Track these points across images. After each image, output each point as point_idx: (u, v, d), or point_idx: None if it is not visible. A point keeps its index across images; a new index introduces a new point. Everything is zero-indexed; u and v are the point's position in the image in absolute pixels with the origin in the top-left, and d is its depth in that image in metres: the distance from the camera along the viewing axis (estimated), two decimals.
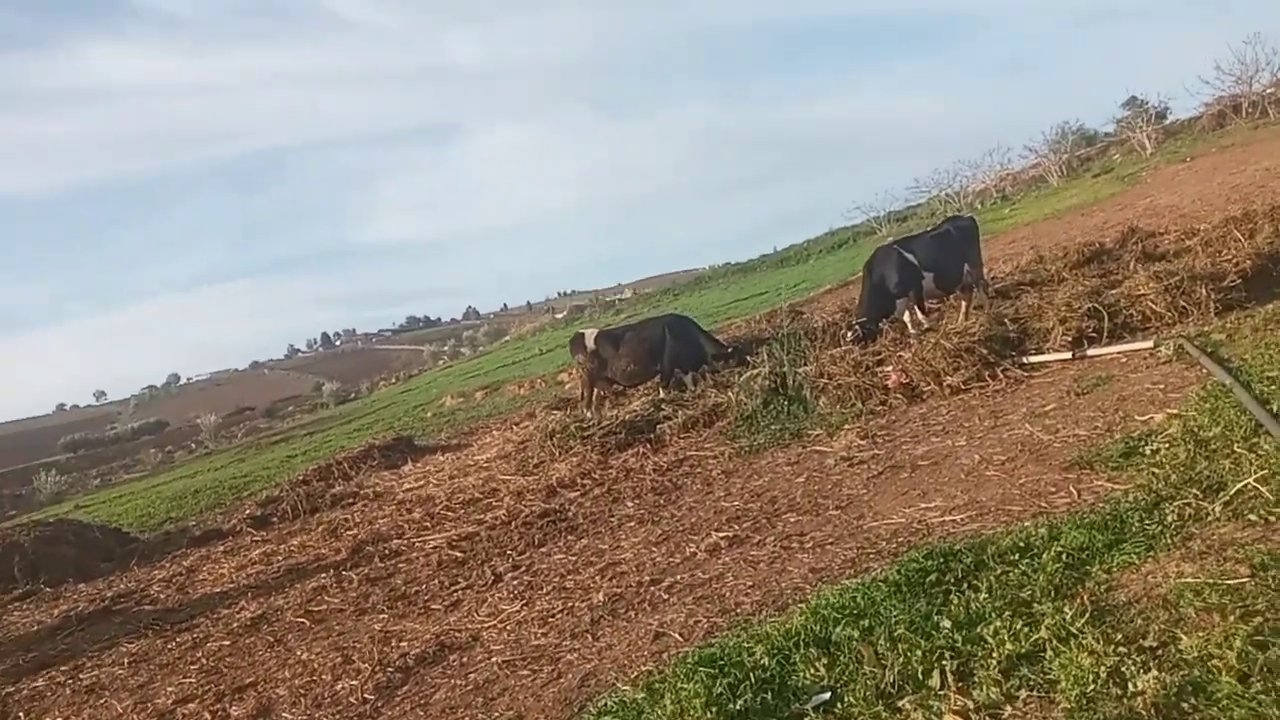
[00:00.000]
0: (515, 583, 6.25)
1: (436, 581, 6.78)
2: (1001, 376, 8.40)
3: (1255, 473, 4.57)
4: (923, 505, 5.65)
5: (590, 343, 12.15)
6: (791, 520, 6.13)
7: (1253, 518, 4.15)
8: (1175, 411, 6.07)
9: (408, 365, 61.96)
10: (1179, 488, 4.68)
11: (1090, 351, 8.27)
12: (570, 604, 5.50)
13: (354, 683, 5.28)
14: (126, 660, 7.02)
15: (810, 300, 22.03)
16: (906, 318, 10.87)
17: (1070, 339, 8.54)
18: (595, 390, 12.23)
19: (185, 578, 9.54)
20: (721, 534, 6.13)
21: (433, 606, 6.24)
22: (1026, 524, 4.73)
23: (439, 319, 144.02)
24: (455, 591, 6.45)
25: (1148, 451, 5.40)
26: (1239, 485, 4.49)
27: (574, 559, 6.48)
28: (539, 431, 10.66)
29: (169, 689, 6.13)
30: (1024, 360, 8.58)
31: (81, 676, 6.93)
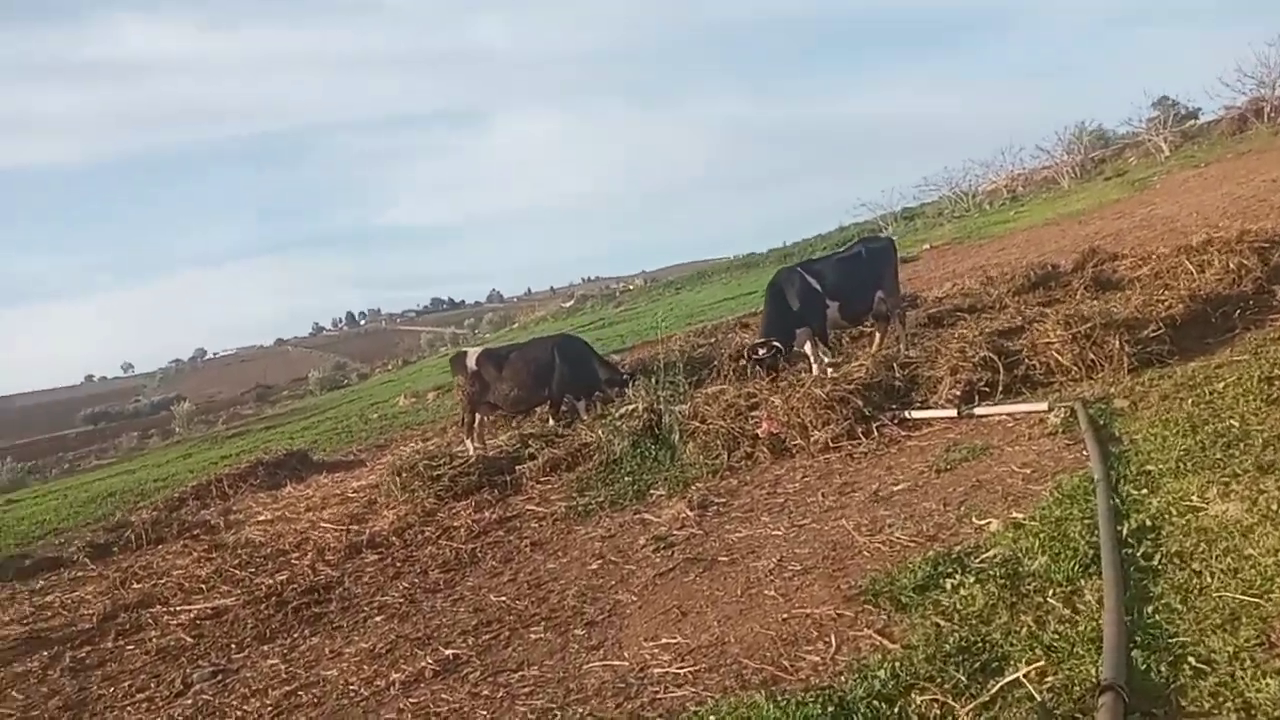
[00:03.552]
0: (190, 702, 5.07)
1: (131, 682, 5.59)
2: (876, 434, 7.12)
3: (1041, 655, 3.29)
4: (666, 639, 4.41)
5: (471, 363, 10.90)
6: (531, 638, 4.92)
7: None
8: (1017, 517, 4.76)
9: (409, 351, 60.91)
10: (945, 663, 3.41)
11: (978, 410, 6.93)
12: None
13: None
14: None
15: None
16: (808, 349, 9.53)
17: (960, 392, 7.21)
18: (477, 416, 11.00)
19: None
20: (449, 650, 4.94)
21: None
22: (730, 707, 3.47)
23: (463, 301, 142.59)
24: (131, 703, 5.28)
25: (947, 587, 4.11)
26: (1011, 676, 3.22)
27: (283, 668, 5.29)
28: (389, 468, 9.49)
29: None
30: (905, 415, 7.27)
31: None
